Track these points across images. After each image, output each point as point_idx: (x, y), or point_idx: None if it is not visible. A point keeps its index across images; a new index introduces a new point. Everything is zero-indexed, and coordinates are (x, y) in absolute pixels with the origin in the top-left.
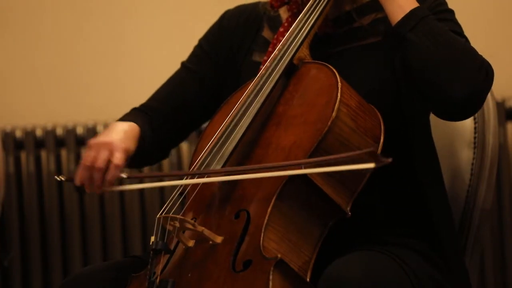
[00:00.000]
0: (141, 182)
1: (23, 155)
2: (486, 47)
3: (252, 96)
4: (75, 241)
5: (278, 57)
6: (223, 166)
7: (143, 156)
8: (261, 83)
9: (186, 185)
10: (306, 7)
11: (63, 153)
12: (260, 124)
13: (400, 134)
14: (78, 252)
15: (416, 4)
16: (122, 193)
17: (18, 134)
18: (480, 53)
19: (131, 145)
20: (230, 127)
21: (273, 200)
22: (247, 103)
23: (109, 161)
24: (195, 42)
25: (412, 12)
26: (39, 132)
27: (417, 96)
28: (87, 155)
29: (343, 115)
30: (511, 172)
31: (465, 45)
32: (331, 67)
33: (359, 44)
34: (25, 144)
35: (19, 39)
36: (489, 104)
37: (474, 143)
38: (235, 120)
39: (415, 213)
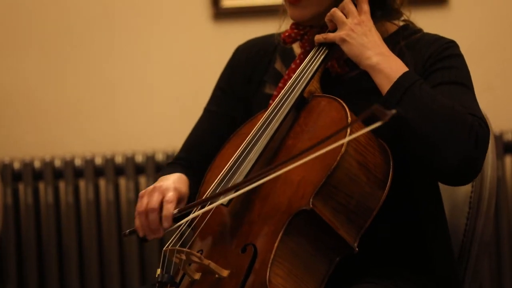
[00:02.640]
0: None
1: (21, 187)
2: (483, 81)
3: (262, 129)
4: (72, 273)
5: (289, 90)
6: (229, 202)
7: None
8: (271, 116)
9: (194, 218)
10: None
11: (61, 185)
12: (270, 157)
13: (405, 170)
14: (76, 284)
15: (403, 69)
16: (119, 225)
17: (16, 165)
18: (477, 86)
19: (183, 187)
20: (239, 160)
21: (280, 235)
22: (257, 136)
23: (162, 202)
24: (193, 75)
25: (398, 83)
26: (37, 164)
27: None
28: (140, 204)
29: (352, 150)
30: (509, 205)
31: (452, 113)
32: (341, 101)
33: (371, 86)
34: (23, 175)
35: (17, 71)
36: None
37: None
38: (244, 153)
39: (418, 248)
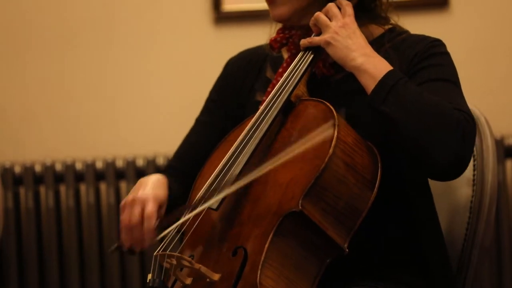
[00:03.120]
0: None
1: (22, 191)
2: (484, 85)
3: (249, 134)
4: (73, 277)
5: (276, 95)
6: (221, 203)
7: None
8: (258, 121)
9: (184, 222)
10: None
11: (62, 188)
12: (258, 161)
13: (396, 171)
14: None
15: (387, 68)
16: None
17: (17, 169)
18: (478, 90)
19: (161, 193)
20: (228, 165)
21: (270, 237)
22: (244, 141)
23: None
24: (194, 79)
25: (382, 82)
26: (38, 168)
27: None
28: (122, 218)
29: (340, 152)
30: (510, 210)
31: (438, 109)
32: (328, 104)
33: (357, 89)
34: (24, 179)
35: (18, 75)
36: (488, 142)
37: (473, 180)
38: (232, 158)
39: (411, 249)
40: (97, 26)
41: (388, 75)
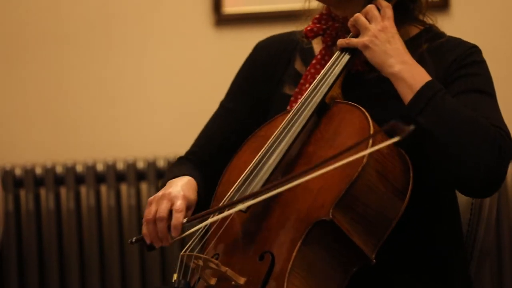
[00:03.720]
0: (202, 221)
1: (22, 193)
2: None
3: (282, 134)
4: (74, 280)
5: (311, 95)
6: (248, 208)
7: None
8: (292, 121)
9: (212, 223)
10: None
11: (63, 191)
12: (289, 163)
13: (427, 180)
14: None
15: (426, 78)
16: (121, 231)
17: (18, 172)
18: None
19: (191, 195)
20: (259, 166)
21: (298, 245)
22: (277, 141)
23: (171, 211)
24: (194, 82)
25: (420, 93)
26: (38, 170)
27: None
28: (148, 211)
29: (373, 161)
30: (510, 213)
31: (475, 125)
32: (363, 109)
33: (391, 89)
34: (24, 182)
35: (18, 78)
36: None
37: None
38: (264, 159)
39: (434, 263)
40: (97, 28)
41: (426, 86)
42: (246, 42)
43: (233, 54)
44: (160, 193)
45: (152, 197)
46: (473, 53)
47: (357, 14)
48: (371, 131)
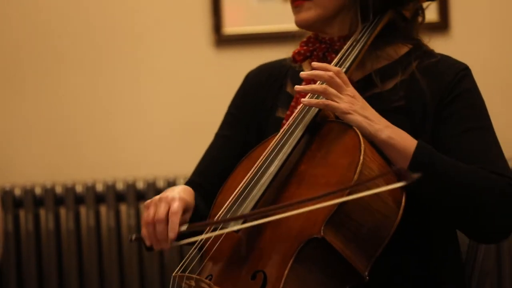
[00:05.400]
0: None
1: (22, 213)
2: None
3: (274, 153)
4: None
5: (302, 114)
6: (242, 224)
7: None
8: (283, 140)
9: (205, 241)
10: (334, 61)
11: (62, 211)
12: (282, 182)
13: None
14: None
15: (413, 141)
16: (120, 251)
17: (17, 192)
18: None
19: (189, 197)
20: (250, 185)
21: (290, 263)
22: (268, 160)
23: (169, 213)
24: (195, 102)
25: (415, 160)
26: (38, 190)
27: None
28: (147, 213)
29: (365, 178)
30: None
31: (475, 181)
32: (355, 128)
33: (382, 109)
34: (24, 202)
35: (18, 98)
36: None
37: None
38: (256, 177)
39: (431, 281)
40: (97, 48)
41: (418, 150)
42: (246, 62)
43: (233, 74)
44: (157, 196)
45: (149, 200)
46: (464, 77)
47: (325, 86)
48: (362, 148)
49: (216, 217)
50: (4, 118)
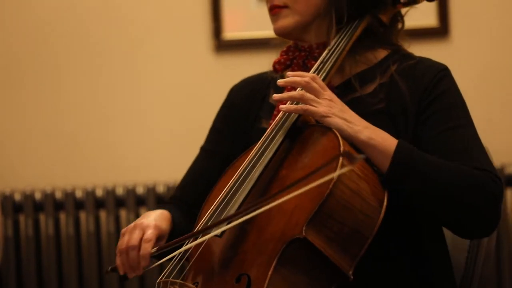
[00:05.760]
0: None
1: (21, 218)
2: (484, 114)
3: (254, 159)
4: None
5: (282, 120)
6: (223, 232)
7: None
8: (264, 146)
9: (187, 250)
10: (313, 68)
11: (62, 216)
12: (263, 188)
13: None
14: None
15: (393, 140)
16: None
17: (17, 197)
18: (478, 119)
19: (163, 224)
20: (231, 192)
21: (273, 264)
22: (249, 167)
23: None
24: (195, 107)
25: (396, 159)
26: (38, 195)
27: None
28: (121, 241)
29: (345, 178)
30: (511, 239)
31: (458, 177)
32: (334, 131)
33: (363, 112)
34: (24, 207)
35: (18, 103)
36: None
37: None
38: (237, 184)
39: (418, 280)
40: (98, 54)
41: (399, 150)
42: (245, 67)
43: (233, 79)
44: (132, 224)
45: (125, 228)
46: (443, 78)
47: (302, 92)
48: (341, 148)
49: (197, 226)
50: (4, 124)
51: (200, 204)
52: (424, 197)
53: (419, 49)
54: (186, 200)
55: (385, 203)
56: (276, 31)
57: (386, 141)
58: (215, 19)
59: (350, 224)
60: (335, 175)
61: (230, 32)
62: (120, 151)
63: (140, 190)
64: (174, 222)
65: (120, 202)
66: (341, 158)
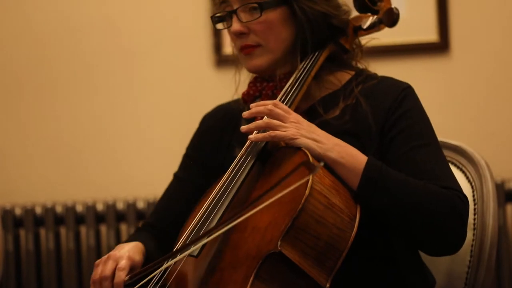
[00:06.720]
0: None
1: (22, 233)
2: (485, 129)
3: (226, 183)
4: None
5: (251, 145)
6: (201, 250)
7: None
8: (235, 170)
9: (165, 268)
10: (278, 97)
11: (62, 231)
12: (237, 210)
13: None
14: None
15: (363, 157)
16: None
17: (18, 211)
18: (479, 134)
19: (137, 256)
20: (205, 215)
21: (250, 280)
22: (221, 191)
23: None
24: (193, 121)
25: (365, 176)
26: (38, 210)
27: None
28: (95, 272)
29: (317, 193)
30: (511, 254)
31: (425, 195)
32: (304, 149)
33: (331, 134)
34: (24, 221)
35: (18, 118)
36: (489, 186)
37: (474, 224)
38: (210, 208)
39: (394, 284)
40: (98, 69)
41: (368, 167)
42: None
43: (233, 93)
44: (106, 256)
45: (98, 260)
46: (406, 96)
47: (267, 120)
48: (311, 165)
49: (172, 252)
50: (4, 138)
51: (174, 230)
52: (393, 213)
53: (420, 65)
54: (159, 226)
55: (357, 218)
56: (251, 69)
57: (355, 158)
58: (216, 34)
59: (325, 238)
60: (305, 179)
61: (230, 47)
62: (121, 165)
63: (140, 204)
64: (148, 252)
65: (120, 217)
66: (311, 159)
